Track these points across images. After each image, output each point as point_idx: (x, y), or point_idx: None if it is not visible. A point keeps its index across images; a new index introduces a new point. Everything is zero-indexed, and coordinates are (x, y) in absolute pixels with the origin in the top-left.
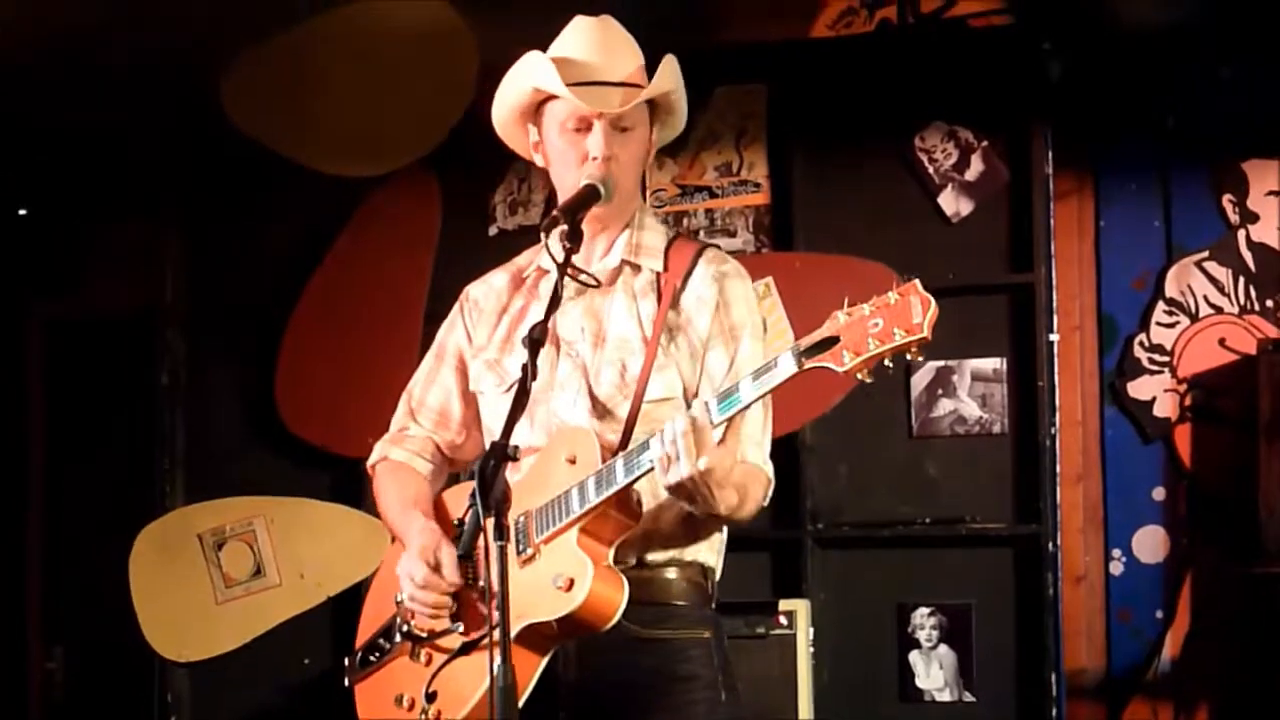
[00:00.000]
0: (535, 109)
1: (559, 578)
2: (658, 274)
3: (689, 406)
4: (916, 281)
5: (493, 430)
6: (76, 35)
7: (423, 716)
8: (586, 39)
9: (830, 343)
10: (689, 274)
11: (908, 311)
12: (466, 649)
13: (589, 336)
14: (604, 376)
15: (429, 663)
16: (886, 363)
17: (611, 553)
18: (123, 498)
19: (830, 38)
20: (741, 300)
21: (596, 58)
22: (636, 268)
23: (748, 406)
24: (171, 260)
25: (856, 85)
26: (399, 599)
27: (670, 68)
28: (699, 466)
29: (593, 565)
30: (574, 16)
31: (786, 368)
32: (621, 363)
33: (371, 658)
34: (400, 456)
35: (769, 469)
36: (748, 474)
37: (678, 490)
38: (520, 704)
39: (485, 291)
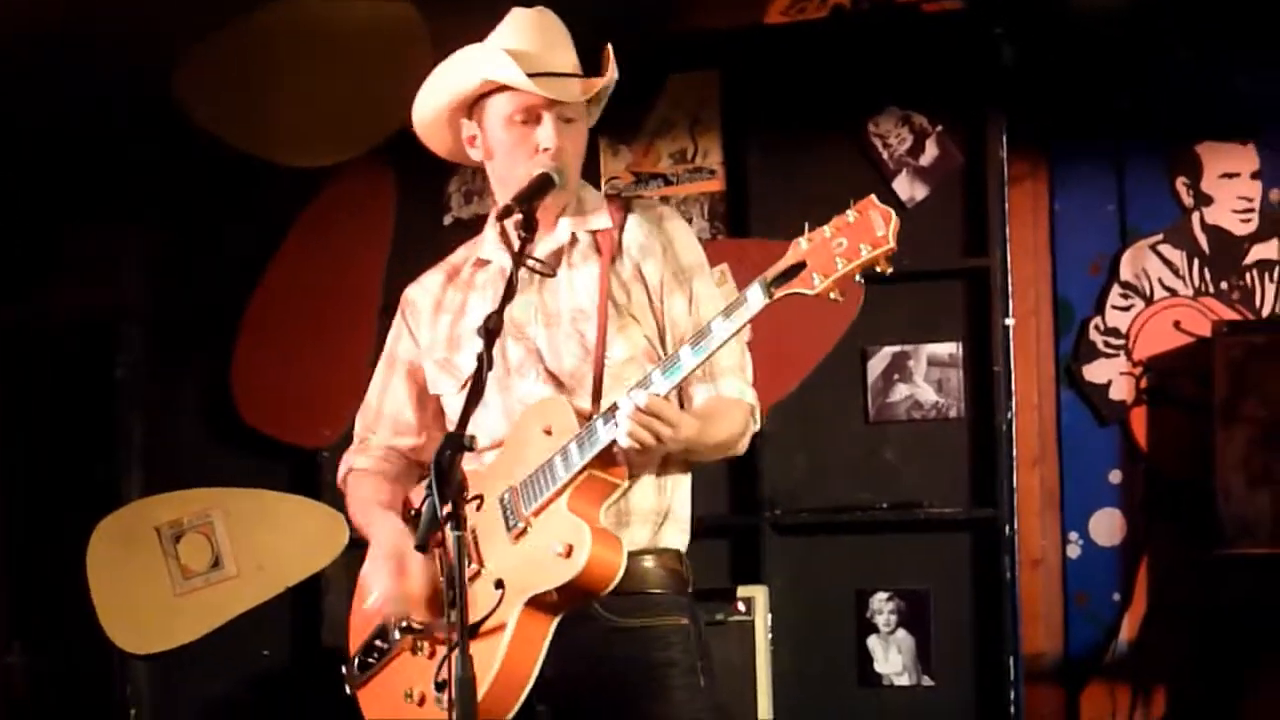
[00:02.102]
0: (471, 105)
1: (557, 545)
2: (594, 234)
3: (657, 361)
4: (872, 196)
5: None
6: (31, 36)
7: (437, 706)
8: (530, 30)
9: (797, 269)
10: (624, 225)
11: (870, 226)
12: (470, 633)
13: (540, 317)
14: (564, 352)
15: (433, 655)
16: (857, 279)
17: (603, 514)
18: (81, 491)
19: (783, 24)
20: (685, 240)
21: (542, 49)
22: (575, 237)
23: (707, 359)
24: (129, 255)
25: (810, 71)
26: None
27: (612, 56)
28: (665, 434)
29: (589, 528)
30: (515, 7)
31: (756, 300)
32: (579, 334)
33: (370, 660)
34: (365, 464)
35: (749, 396)
36: (724, 405)
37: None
38: (533, 675)
39: (420, 293)
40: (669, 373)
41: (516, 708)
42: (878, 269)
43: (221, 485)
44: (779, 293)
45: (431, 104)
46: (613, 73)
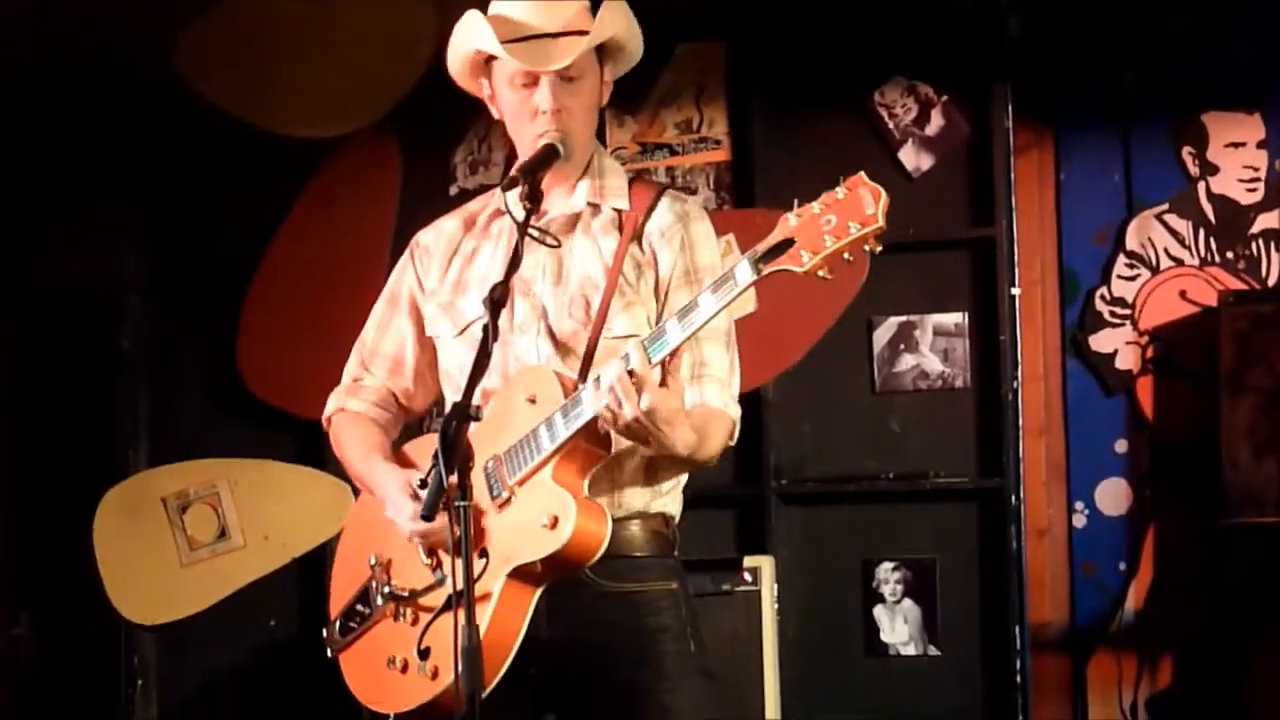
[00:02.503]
0: (484, 65)
1: (542, 516)
2: (619, 211)
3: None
4: (862, 174)
5: (450, 374)
6: (34, 7)
7: (419, 674)
8: None
9: (785, 246)
10: (651, 209)
11: (859, 203)
12: (453, 602)
13: (549, 276)
14: (566, 315)
15: (415, 621)
16: (846, 256)
17: (586, 484)
18: (87, 462)
19: None
20: (705, 242)
21: (533, 12)
22: (597, 208)
23: (694, 334)
24: (133, 226)
25: (816, 41)
26: (372, 562)
27: (612, 11)
28: (641, 408)
29: (574, 500)
30: None
31: (744, 276)
32: (585, 299)
33: (352, 625)
34: (357, 407)
35: (733, 410)
36: (708, 415)
37: (628, 433)
38: (516, 644)
39: (435, 237)
40: (654, 347)
41: (499, 676)
42: (865, 248)
43: (227, 456)
44: (767, 269)
45: (451, 67)
46: (604, 29)
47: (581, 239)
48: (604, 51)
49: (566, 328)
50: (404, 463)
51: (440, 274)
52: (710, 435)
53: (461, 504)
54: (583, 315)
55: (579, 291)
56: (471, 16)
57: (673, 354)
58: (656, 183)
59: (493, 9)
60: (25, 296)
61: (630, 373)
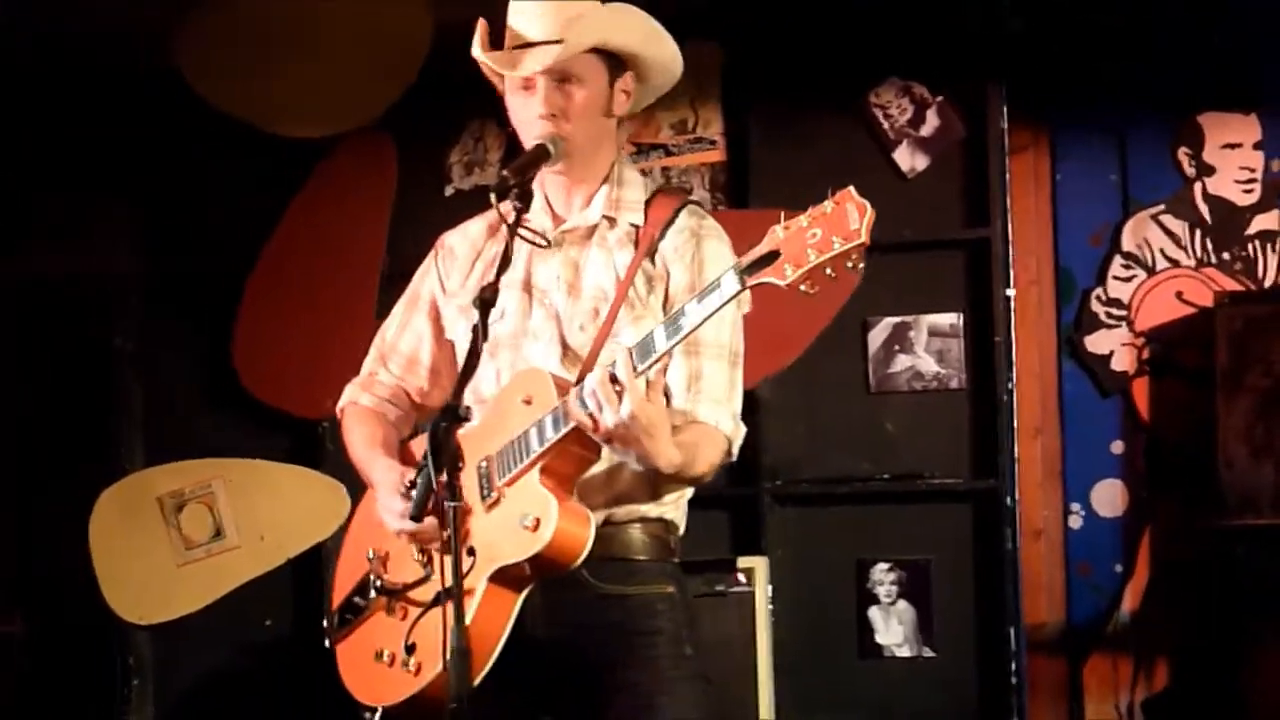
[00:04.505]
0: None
1: (525, 518)
2: (636, 226)
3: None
4: (851, 188)
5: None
6: (31, 3)
7: (404, 669)
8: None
9: (771, 258)
10: (668, 225)
11: (844, 219)
12: (440, 599)
13: (563, 285)
14: (578, 325)
15: (405, 616)
16: (829, 271)
17: (575, 489)
18: (82, 461)
19: None
20: (716, 260)
21: (521, 19)
22: (613, 222)
23: (679, 341)
24: (127, 223)
25: (811, 41)
26: (370, 555)
27: (598, 21)
28: (621, 415)
29: (556, 503)
30: None
31: (730, 286)
32: (595, 310)
33: (349, 616)
34: (369, 402)
35: (726, 427)
36: (700, 433)
37: (609, 442)
38: (499, 644)
39: (460, 239)
40: (640, 354)
41: (482, 674)
42: (849, 264)
43: (222, 455)
44: (751, 280)
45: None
46: (582, 37)
47: (597, 251)
48: (616, 59)
49: (578, 338)
50: (408, 459)
51: (463, 277)
52: (700, 453)
53: (451, 504)
54: (593, 327)
55: (591, 304)
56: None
57: (665, 368)
58: (680, 194)
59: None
60: (19, 293)
61: (613, 379)
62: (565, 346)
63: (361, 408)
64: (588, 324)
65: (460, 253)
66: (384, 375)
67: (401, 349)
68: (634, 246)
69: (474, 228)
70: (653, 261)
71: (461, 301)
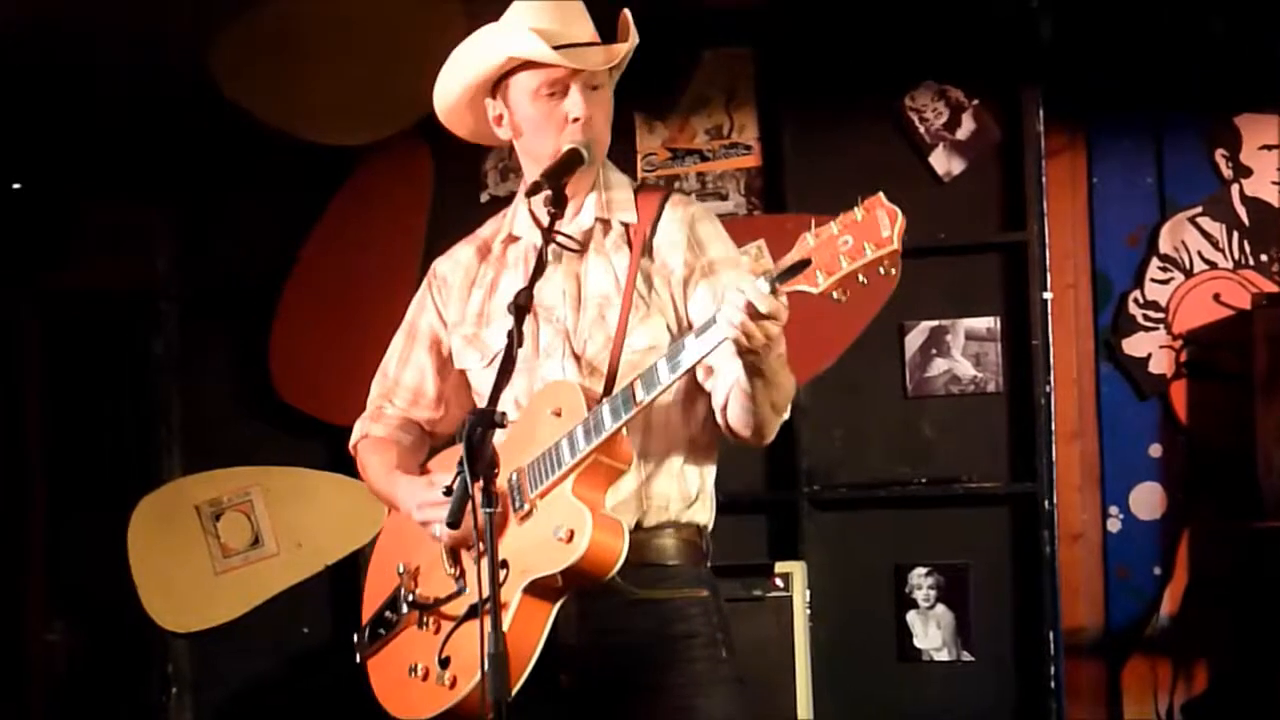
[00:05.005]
0: (496, 83)
1: (559, 530)
2: (627, 225)
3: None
4: (880, 195)
5: (483, 398)
6: (66, 15)
7: (439, 683)
8: (547, 5)
9: (802, 266)
10: (657, 220)
11: (875, 225)
12: (474, 613)
13: (569, 300)
14: (589, 336)
15: (438, 630)
16: (861, 278)
17: (607, 499)
18: (121, 469)
19: None
20: (715, 238)
21: (560, 22)
22: (607, 224)
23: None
24: (165, 231)
25: (846, 45)
26: (400, 569)
27: (631, 23)
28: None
29: (591, 514)
30: None
31: (718, 333)
32: (604, 318)
33: (380, 631)
34: (380, 432)
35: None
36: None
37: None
38: (534, 657)
39: (452, 267)
40: (672, 362)
41: (518, 685)
42: (881, 269)
43: (260, 463)
44: (783, 288)
45: (454, 86)
46: (633, 37)
47: (595, 258)
48: (613, 65)
49: (590, 349)
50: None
51: (461, 305)
52: (788, 399)
53: (487, 510)
54: (603, 335)
55: (597, 312)
56: (501, 29)
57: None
58: (658, 189)
59: (518, 24)
60: (57, 301)
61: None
62: (580, 359)
63: (374, 439)
64: (597, 333)
65: (454, 282)
66: (390, 409)
67: (405, 383)
68: (628, 247)
69: (463, 253)
70: (650, 258)
71: (466, 331)
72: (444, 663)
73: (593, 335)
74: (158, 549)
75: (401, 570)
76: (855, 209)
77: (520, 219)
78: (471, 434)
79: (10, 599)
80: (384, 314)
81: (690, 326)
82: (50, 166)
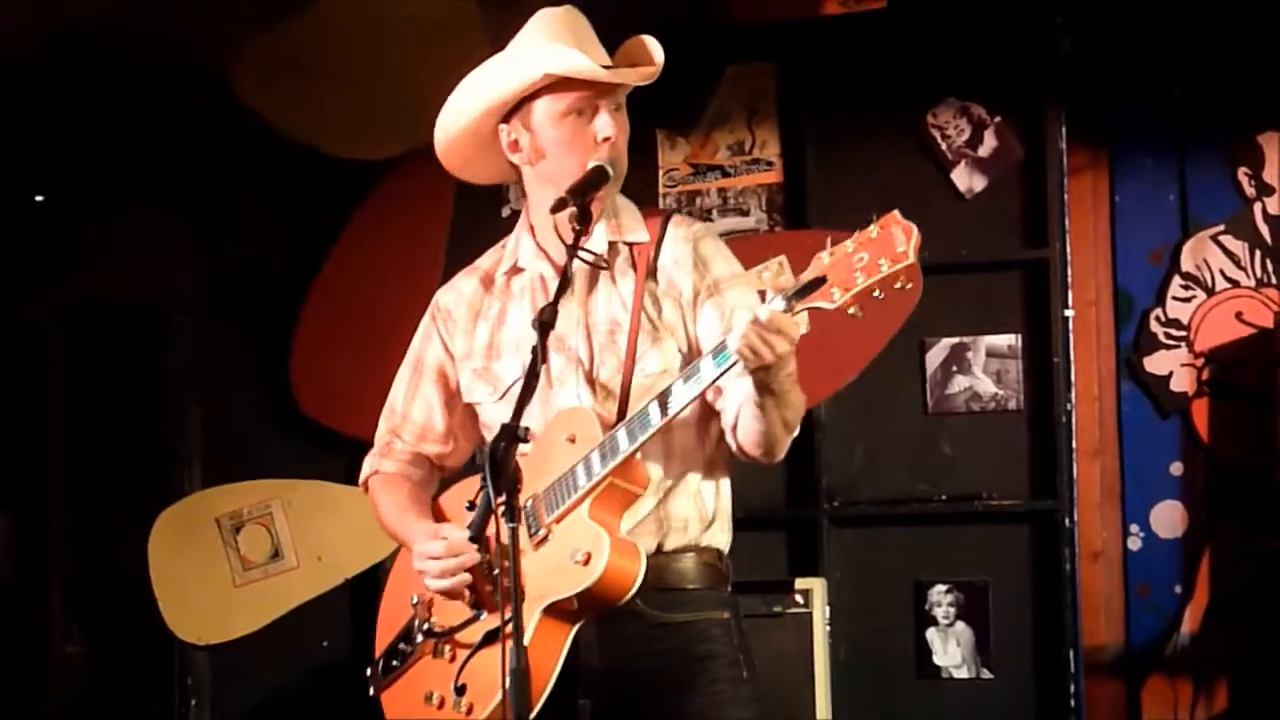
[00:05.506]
0: (515, 108)
1: (576, 553)
2: (633, 248)
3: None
4: (895, 211)
5: (493, 430)
6: (89, 23)
7: (455, 710)
8: (569, 28)
9: (818, 283)
10: (660, 241)
11: (890, 242)
12: (490, 639)
13: (580, 328)
14: (602, 361)
15: (453, 658)
16: (877, 293)
17: (623, 523)
18: (141, 482)
19: (840, 14)
20: (718, 257)
21: (586, 43)
22: (615, 248)
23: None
24: (185, 244)
25: (868, 62)
26: (414, 600)
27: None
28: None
29: (608, 537)
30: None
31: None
32: (614, 342)
33: (394, 663)
34: (390, 468)
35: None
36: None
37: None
38: (550, 683)
39: (455, 299)
40: (689, 380)
41: (537, 708)
42: (897, 285)
43: (280, 476)
44: (799, 306)
45: (460, 117)
46: (660, 60)
47: (604, 284)
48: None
49: (602, 374)
50: (438, 513)
51: (467, 338)
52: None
53: (511, 525)
54: (615, 360)
55: (608, 338)
56: (525, 51)
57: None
58: (660, 211)
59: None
60: (78, 314)
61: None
62: (593, 385)
63: (385, 475)
64: (609, 358)
65: (459, 315)
66: (399, 444)
67: (414, 418)
68: (633, 270)
69: (465, 284)
70: (655, 280)
71: (475, 365)
72: (460, 690)
73: (605, 360)
74: (178, 561)
75: (416, 601)
76: (871, 225)
77: (524, 249)
78: (495, 449)
79: (31, 611)
80: (405, 327)
81: (698, 346)
82: (73, 178)
